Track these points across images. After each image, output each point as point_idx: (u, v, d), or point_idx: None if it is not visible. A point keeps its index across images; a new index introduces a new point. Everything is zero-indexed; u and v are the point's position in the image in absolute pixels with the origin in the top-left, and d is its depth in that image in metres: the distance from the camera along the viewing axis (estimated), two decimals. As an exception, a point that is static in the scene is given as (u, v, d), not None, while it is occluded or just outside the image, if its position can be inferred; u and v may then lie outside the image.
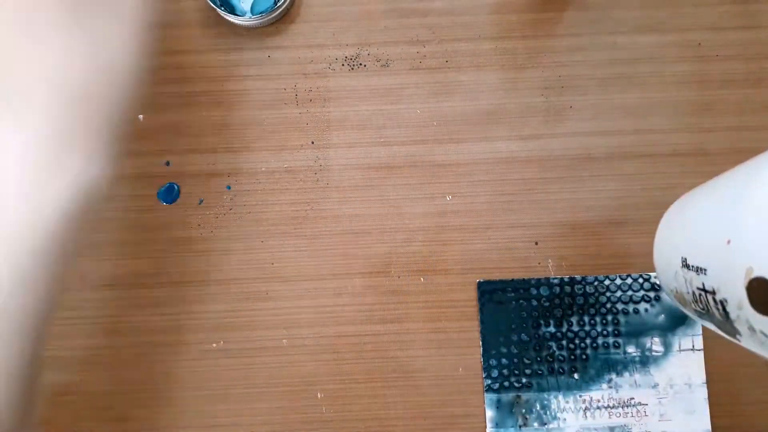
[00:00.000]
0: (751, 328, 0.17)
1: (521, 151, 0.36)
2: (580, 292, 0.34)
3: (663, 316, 0.34)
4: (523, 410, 0.33)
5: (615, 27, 0.36)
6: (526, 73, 0.36)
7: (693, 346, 0.34)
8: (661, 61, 0.36)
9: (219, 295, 0.35)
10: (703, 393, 0.33)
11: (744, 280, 0.16)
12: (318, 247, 0.35)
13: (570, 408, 0.33)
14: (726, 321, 0.18)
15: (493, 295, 0.34)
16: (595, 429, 0.33)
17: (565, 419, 0.33)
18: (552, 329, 0.34)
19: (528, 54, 0.36)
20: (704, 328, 0.34)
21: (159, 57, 0.36)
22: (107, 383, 0.35)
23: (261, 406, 0.35)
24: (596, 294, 0.34)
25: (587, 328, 0.34)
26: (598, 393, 0.33)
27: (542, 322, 0.34)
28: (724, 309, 0.18)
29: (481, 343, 0.34)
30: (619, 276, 0.34)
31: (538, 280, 0.34)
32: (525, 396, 0.33)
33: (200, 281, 0.35)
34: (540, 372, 0.33)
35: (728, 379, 0.34)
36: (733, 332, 0.18)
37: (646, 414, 0.33)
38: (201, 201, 0.36)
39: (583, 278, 0.34)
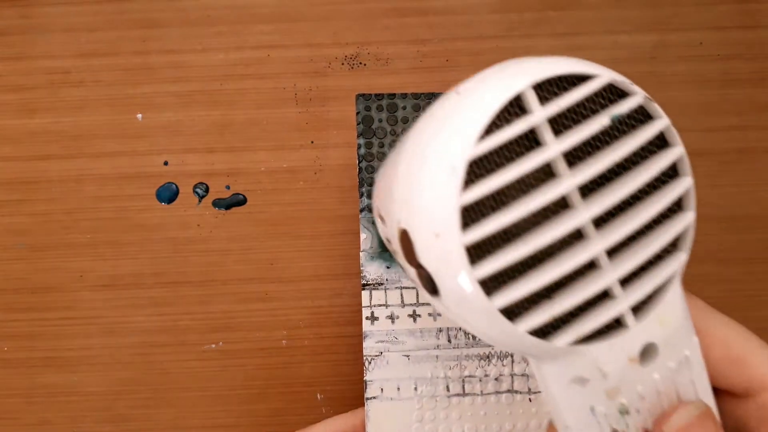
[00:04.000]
0: (412, 281, 0.19)
1: (521, 151, 0.36)
2: None
3: None
4: None
5: (615, 26, 0.36)
6: (527, 73, 0.36)
7: None
8: (662, 60, 0.36)
9: (218, 296, 0.35)
10: None
11: (397, 234, 0.17)
12: (318, 247, 0.35)
13: None
14: (404, 271, 0.20)
15: (373, 110, 0.30)
16: None
17: None
18: None
19: (529, 53, 0.36)
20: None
21: (158, 56, 0.36)
22: (107, 383, 0.35)
23: (260, 407, 0.35)
24: None
25: None
26: None
27: None
28: (397, 260, 0.20)
29: (358, 161, 0.31)
30: None
31: (423, 95, 0.31)
32: None
33: (199, 281, 0.35)
34: None
35: None
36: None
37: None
38: (200, 201, 0.35)
39: None
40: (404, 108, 0.31)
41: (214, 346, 0.35)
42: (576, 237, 0.17)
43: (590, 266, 0.17)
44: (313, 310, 0.35)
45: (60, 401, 0.35)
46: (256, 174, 0.36)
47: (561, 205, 0.17)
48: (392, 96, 0.30)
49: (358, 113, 0.30)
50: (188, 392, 0.35)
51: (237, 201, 0.36)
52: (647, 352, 0.18)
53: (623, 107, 0.17)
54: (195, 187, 0.35)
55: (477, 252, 0.16)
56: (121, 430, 0.35)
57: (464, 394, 0.29)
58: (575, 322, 0.17)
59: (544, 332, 0.17)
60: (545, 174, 0.16)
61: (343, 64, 0.36)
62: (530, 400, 0.29)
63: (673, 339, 0.18)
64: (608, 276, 0.17)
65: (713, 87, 0.36)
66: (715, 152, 0.36)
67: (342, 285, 0.35)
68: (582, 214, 0.16)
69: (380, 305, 0.29)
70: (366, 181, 0.31)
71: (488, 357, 0.29)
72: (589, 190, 0.17)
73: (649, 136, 0.17)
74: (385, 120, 0.31)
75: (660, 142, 0.18)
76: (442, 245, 0.16)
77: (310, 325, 0.35)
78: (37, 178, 0.35)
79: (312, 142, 0.36)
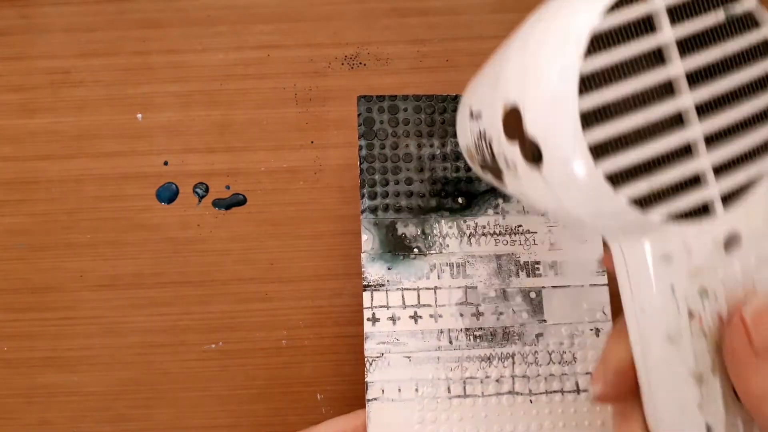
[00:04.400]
0: (507, 163, 0.20)
1: (521, 151, 0.36)
2: None
3: None
4: (402, 234, 0.30)
5: (616, 26, 0.36)
6: (527, 73, 0.36)
7: None
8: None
9: (218, 296, 0.35)
10: None
11: (501, 112, 0.19)
12: (318, 247, 0.35)
13: (453, 234, 0.31)
14: (493, 162, 0.21)
15: (375, 112, 0.31)
16: (480, 256, 0.30)
17: (447, 245, 0.30)
18: (435, 150, 0.31)
19: (528, 53, 0.36)
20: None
21: (158, 56, 0.36)
22: (107, 383, 0.35)
23: (260, 407, 0.35)
24: None
25: None
26: (484, 219, 0.31)
27: (425, 141, 0.31)
28: (490, 149, 0.21)
29: (359, 162, 0.31)
30: None
31: (424, 96, 0.31)
32: (404, 220, 0.31)
33: (199, 281, 0.35)
34: (422, 194, 0.31)
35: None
36: (499, 174, 0.21)
37: (535, 242, 0.31)
38: (200, 201, 0.35)
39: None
40: (405, 110, 0.31)
41: (214, 346, 0.35)
42: (679, 122, 0.18)
43: (689, 152, 0.18)
44: (314, 310, 0.35)
45: (60, 401, 0.35)
46: (256, 174, 0.36)
47: (669, 92, 0.18)
48: (393, 98, 0.31)
49: (359, 115, 0.31)
50: (188, 392, 0.35)
51: (237, 201, 0.36)
52: (732, 241, 0.19)
53: (737, 8, 0.18)
54: (195, 187, 0.36)
55: (587, 121, 0.17)
56: (121, 430, 0.35)
57: (465, 396, 0.29)
58: (670, 199, 0.18)
59: (641, 205, 0.18)
60: (657, 62, 0.18)
61: (343, 64, 0.36)
62: (531, 401, 0.29)
63: (757, 234, 0.19)
64: (703, 161, 0.18)
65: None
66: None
67: (342, 285, 0.35)
68: (686, 99, 0.18)
69: (381, 306, 0.29)
70: (367, 182, 0.31)
71: (489, 359, 0.29)
72: (696, 82, 0.18)
73: (759, 38, 0.18)
74: (386, 121, 0.31)
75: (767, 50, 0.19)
76: (557, 111, 0.17)
77: (310, 325, 0.35)
78: (37, 178, 0.35)
79: (312, 142, 0.36)
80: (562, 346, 0.29)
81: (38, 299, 0.35)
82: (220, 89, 0.36)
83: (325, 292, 0.35)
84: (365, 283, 0.30)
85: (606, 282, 0.30)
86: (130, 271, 0.35)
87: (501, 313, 0.30)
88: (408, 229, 0.30)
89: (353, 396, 0.34)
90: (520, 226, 0.31)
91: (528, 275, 0.30)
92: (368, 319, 0.29)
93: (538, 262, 0.30)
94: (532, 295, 0.30)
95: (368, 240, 0.30)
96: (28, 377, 0.35)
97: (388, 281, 0.30)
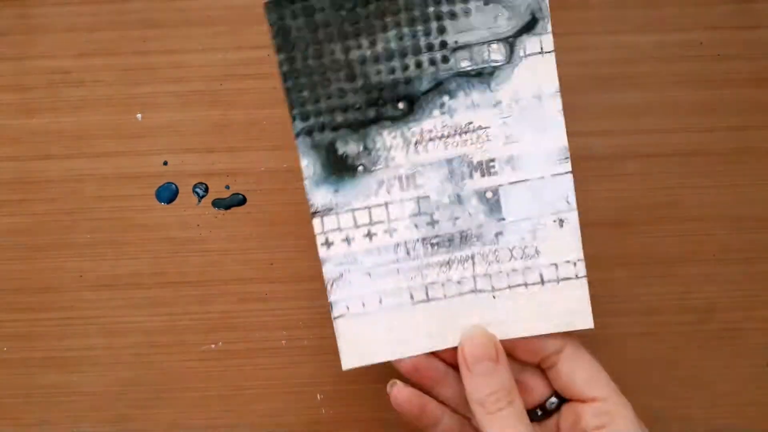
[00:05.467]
0: None
1: (521, 151, 0.36)
2: None
3: (502, 16, 0.28)
4: (343, 154, 0.28)
5: (616, 26, 0.36)
6: (527, 73, 0.36)
7: (542, 49, 0.29)
8: (662, 60, 0.36)
9: (218, 296, 0.35)
10: (556, 104, 0.28)
11: None
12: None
13: (398, 144, 0.28)
14: None
15: (288, 18, 0.28)
16: (431, 164, 0.28)
17: (393, 158, 0.28)
18: (365, 51, 0.28)
19: (528, 53, 0.36)
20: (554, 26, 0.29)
21: (158, 56, 0.36)
22: (107, 383, 0.35)
23: (260, 407, 0.35)
24: None
25: (407, 42, 0.28)
26: (430, 122, 0.28)
27: (352, 43, 0.28)
28: None
29: (283, 81, 0.28)
30: None
31: None
32: (343, 138, 0.28)
33: (199, 281, 0.35)
34: (357, 106, 0.28)
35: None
36: None
37: (489, 138, 0.28)
38: (200, 201, 0.35)
39: None
40: (322, 9, 0.28)
41: (213, 346, 0.35)
42: None
43: None
44: (313, 310, 0.35)
45: (60, 401, 0.35)
46: (256, 174, 0.36)
47: None
48: None
49: (271, 25, 0.27)
50: (188, 392, 0.35)
51: (237, 201, 0.36)
52: None
53: None
54: (195, 187, 0.36)
55: None
56: (121, 430, 0.35)
57: (428, 300, 0.28)
58: None
59: None
60: None
61: (343, 64, 0.36)
62: (494, 297, 0.28)
63: None
64: None
65: (713, 87, 0.36)
66: (715, 152, 0.36)
67: (342, 285, 0.35)
68: None
69: (334, 230, 0.28)
70: (296, 101, 0.28)
71: (449, 263, 0.29)
72: None
73: None
74: (304, 27, 0.28)
75: None
76: None
77: (309, 325, 0.35)
78: (37, 178, 0.35)
79: (312, 142, 0.36)
80: (524, 241, 0.28)
81: (38, 299, 0.35)
82: (220, 89, 0.36)
83: (325, 292, 0.35)
84: (313, 210, 0.28)
85: (569, 169, 0.28)
86: (130, 271, 0.35)
87: (457, 218, 0.28)
88: (349, 147, 0.28)
89: (353, 396, 0.34)
90: (471, 123, 0.28)
91: (483, 175, 0.28)
92: (322, 244, 0.28)
93: (492, 160, 0.28)
94: (489, 195, 0.28)
95: (308, 165, 0.28)
96: (28, 377, 0.35)
97: (336, 204, 0.28)
